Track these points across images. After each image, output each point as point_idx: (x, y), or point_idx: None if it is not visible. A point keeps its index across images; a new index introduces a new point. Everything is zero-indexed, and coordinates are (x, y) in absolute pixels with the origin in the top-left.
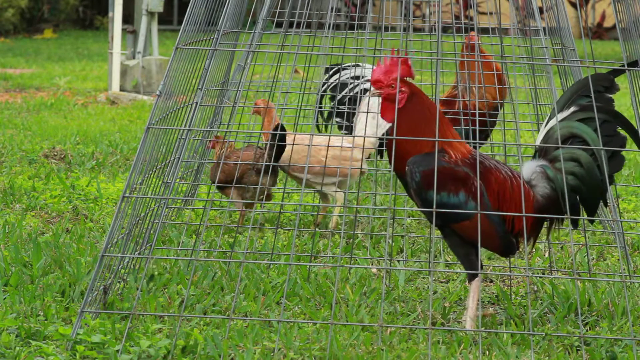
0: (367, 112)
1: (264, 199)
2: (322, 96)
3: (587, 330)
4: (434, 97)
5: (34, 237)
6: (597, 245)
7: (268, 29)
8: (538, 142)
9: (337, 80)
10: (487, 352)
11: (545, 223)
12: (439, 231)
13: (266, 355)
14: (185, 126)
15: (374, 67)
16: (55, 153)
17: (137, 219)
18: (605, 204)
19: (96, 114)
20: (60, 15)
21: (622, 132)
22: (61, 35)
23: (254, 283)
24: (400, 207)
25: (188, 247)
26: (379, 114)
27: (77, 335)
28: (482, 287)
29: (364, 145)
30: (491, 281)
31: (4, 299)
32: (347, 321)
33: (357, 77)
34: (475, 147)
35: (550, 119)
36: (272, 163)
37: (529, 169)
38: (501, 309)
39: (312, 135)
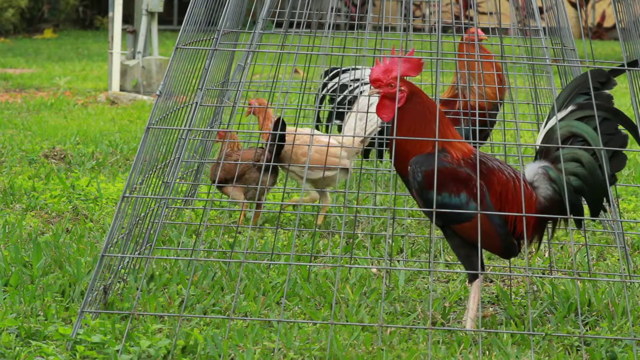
0: (357, 112)
1: (265, 196)
2: (322, 98)
3: (587, 330)
4: (434, 97)
5: (34, 237)
6: (597, 245)
7: (268, 29)
8: (538, 143)
9: (337, 83)
10: (487, 352)
11: (548, 224)
12: (439, 231)
13: (266, 355)
14: (185, 126)
15: (373, 66)
16: (55, 153)
17: (137, 219)
18: (608, 203)
19: (96, 114)
20: (60, 15)
21: (623, 131)
22: (61, 35)
23: (254, 283)
24: (400, 207)
25: (188, 247)
26: (368, 114)
27: (77, 335)
28: (482, 287)
29: (342, 143)
30: (491, 281)
31: (4, 299)
32: (347, 321)
33: (357, 80)
34: (475, 147)
35: (549, 118)
36: (272, 163)
37: (531, 170)
38: (501, 309)
39: (312, 134)
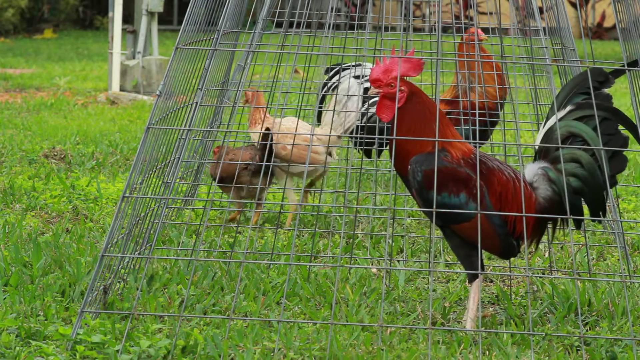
0: (334, 106)
1: (264, 197)
2: (323, 97)
3: (587, 330)
4: (434, 97)
5: (34, 237)
6: (597, 245)
7: (268, 29)
8: (537, 143)
9: (337, 81)
10: (487, 352)
11: (548, 225)
12: (439, 231)
13: (266, 355)
14: (185, 126)
15: (373, 67)
16: (55, 153)
17: (137, 219)
18: (607, 206)
19: (96, 114)
20: (60, 15)
21: (624, 132)
22: (61, 35)
23: (254, 283)
24: (400, 207)
25: (188, 247)
26: (347, 106)
27: (77, 335)
28: (482, 287)
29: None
30: (491, 281)
31: (4, 299)
32: (347, 321)
33: (358, 77)
34: (475, 147)
35: (547, 118)
36: (265, 163)
37: (531, 171)
38: (501, 309)
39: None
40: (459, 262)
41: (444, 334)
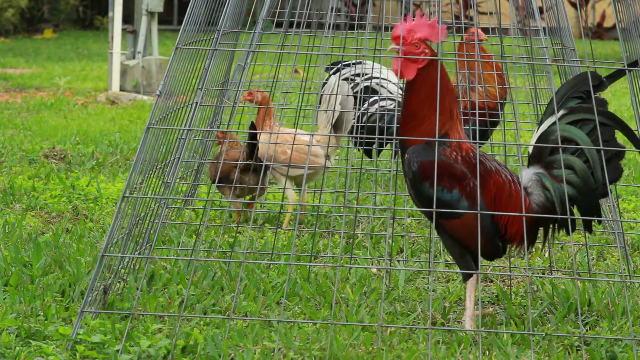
0: (327, 110)
1: (257, 195)
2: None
3: (587, 330)
4: None
5: (34, 237)
6: (597, 245)
7: (268, 29)
8: (530, 149)
9: (338, 80)
10: (487, 352)
11: (540, 230)
12: None
13: (266, 355)
14: (185, 126)
15: (396, 25)
16: (55, 153)
17: (137, 219)
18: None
19: (96, 114)
20: (60, 15)
21: (620, 139)
22: (61, 35)
23: (254, 283)
24: (400, 207)
25: (188, 247)
26: (342, 111)
27: (77, 335)
28: (482, 287)
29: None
30: (491, 281)
31: (4, 299)
32: (347, 321)
33: (358, 75)
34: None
35: (541, 123)
36: (252, 162)
37: (526, 176)
38: (501, 309)
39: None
40: None
41: (444, 334)
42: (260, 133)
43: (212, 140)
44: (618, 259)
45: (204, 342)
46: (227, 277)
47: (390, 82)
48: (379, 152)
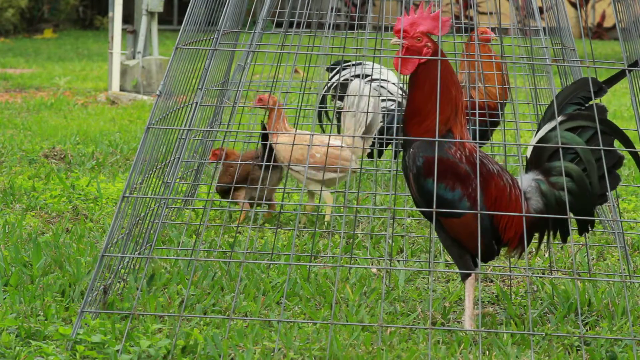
0: (355, 111)
1: (265, 199)
2: (324, 96)
3: (587, 330)
4: None
5: (34, 237)
6: (597, 245)
7: (268, 29)
8: (529, 153)
9: (339, 80)
10: (487, 352)
11: (535, 236)
12: None
13: (266, 355)
14: (185, 126)
15: (400, 18)
16: (55, 153)
17: (137, 219)
18: (592, 224)
19: (96, 114)
20: (60, 15)
21: (619, 149)
22: (61, 35)
23: (254, 283)
24: (400, 207)
25: (188, 247)
26: (369, 112)
27: (77, 335)
28: (482, 287)
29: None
30: (491, 281)
31: (4, 299)
32: (347, 321)
33: (359, 76)
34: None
35: (539, 128)
36: (267, 162)
37: (525, 181)
38: (501, 309)
39: (312, 134)
40: None
41: (444, 334)
42: (278, 134)
43: (212, 140)
44: (618, 259)
45: (204, 342)
46: (227, 277)
47: (390, 83)
48: (379, 153)
